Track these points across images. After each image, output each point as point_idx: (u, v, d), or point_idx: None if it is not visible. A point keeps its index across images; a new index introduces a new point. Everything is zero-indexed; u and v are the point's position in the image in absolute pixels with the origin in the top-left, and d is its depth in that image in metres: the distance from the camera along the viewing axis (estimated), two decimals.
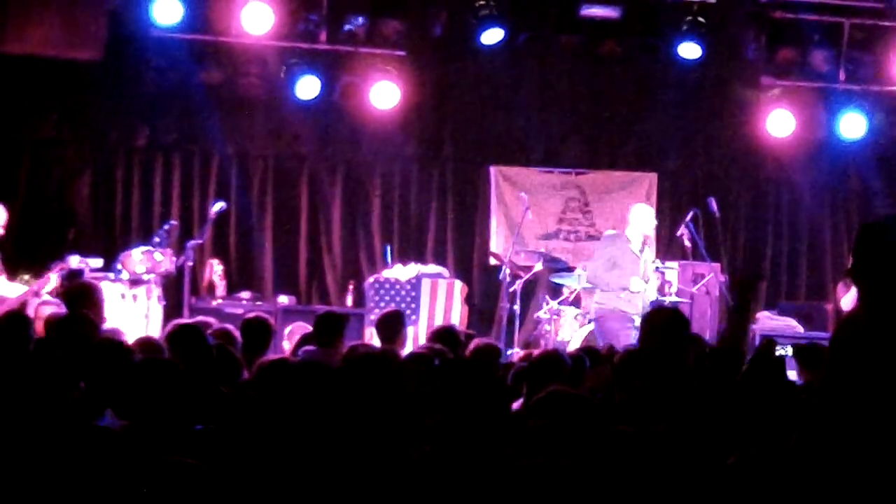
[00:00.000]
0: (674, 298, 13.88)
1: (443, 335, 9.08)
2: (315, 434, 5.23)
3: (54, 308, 9.64)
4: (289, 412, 5.48)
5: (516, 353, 12.32)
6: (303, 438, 5.23)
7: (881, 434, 4.34)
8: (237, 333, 8.79)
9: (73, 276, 11.77)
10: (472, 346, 8.69)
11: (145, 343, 8.15)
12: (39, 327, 8.71)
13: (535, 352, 8.88)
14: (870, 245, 4.54)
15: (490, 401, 5.06)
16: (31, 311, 9.99)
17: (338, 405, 5.71)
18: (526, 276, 14.40)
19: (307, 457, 5.05)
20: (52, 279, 11.44)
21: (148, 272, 13.01)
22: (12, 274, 12.17)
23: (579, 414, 4.88)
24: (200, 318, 9.68)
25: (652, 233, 13.14)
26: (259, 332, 9.03)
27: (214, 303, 14.25)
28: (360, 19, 14.86)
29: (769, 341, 7.50)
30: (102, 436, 4.73)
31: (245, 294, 14.78)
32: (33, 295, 11.31)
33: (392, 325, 9.68)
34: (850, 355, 4.48)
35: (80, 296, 9.20)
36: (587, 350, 9.01)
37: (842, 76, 15.15)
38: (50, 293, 11.22)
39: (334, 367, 6.63)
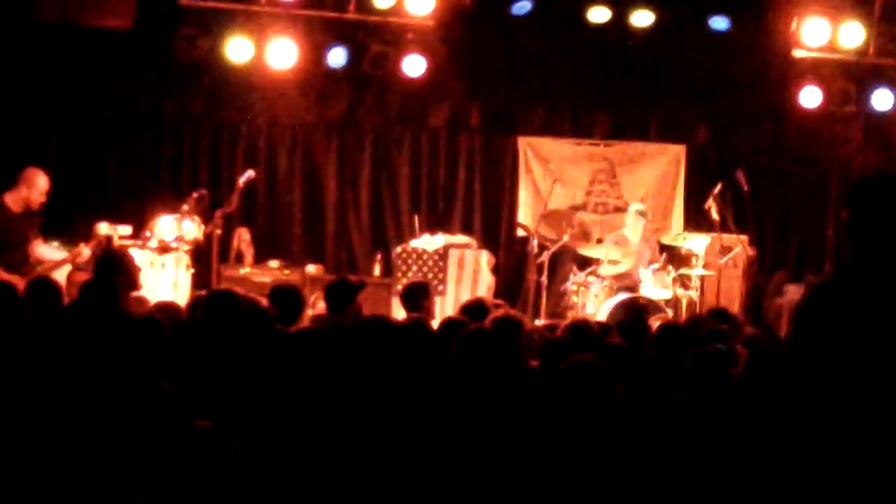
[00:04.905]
0: (700, 271, 13.93)
1: (472, 308, 9.11)
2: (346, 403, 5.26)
3: (88, 275, 9.71)
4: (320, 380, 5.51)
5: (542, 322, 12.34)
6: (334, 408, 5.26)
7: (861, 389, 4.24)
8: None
9: (108, 245, 11.82)
10: (491, 316, 8.52)
11: (165, 307, 8.25)
12: (74, 293, 8.79)
13: (563, 323, 8.90)
14: (863, 202, 4.44)
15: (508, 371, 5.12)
16: (62, 277, 10.08)
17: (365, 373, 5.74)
18: (553, 248, 14.43)
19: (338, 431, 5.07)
20: (85, 251, 11.51)
21: (177, 240, 13.06)
22: (45, 241, 12.27)
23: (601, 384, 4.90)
24: (226, 286, 9.68)
25: None
26: (289, 301, 8.97)
27: (242, 271, 14.30)
28: None
29: None
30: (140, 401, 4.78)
31: (273, 262, 14.81)
32: (69, 262, 11.45)
33: (417, 296, 9.70)
34: (829, 317, 4.37)
35: (111, 264, 9.25)
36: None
37: (872, 50, 15.07)
38: (86, 262, 11.32)
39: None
